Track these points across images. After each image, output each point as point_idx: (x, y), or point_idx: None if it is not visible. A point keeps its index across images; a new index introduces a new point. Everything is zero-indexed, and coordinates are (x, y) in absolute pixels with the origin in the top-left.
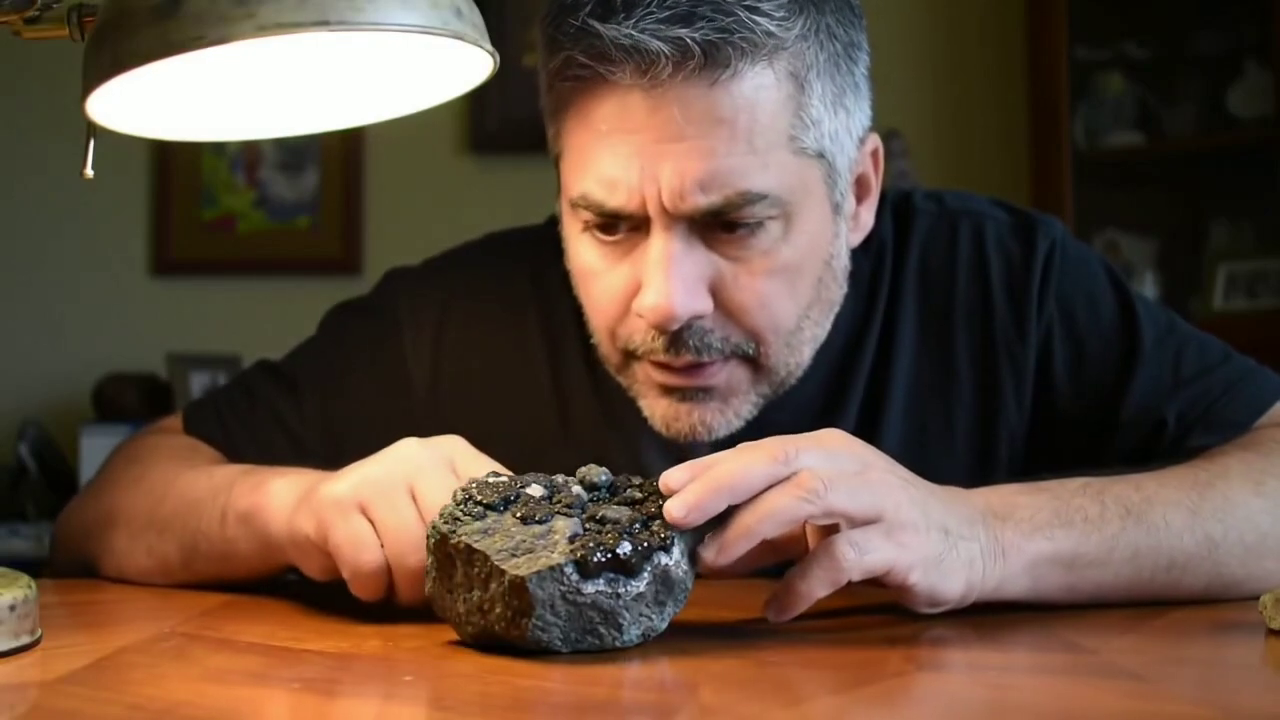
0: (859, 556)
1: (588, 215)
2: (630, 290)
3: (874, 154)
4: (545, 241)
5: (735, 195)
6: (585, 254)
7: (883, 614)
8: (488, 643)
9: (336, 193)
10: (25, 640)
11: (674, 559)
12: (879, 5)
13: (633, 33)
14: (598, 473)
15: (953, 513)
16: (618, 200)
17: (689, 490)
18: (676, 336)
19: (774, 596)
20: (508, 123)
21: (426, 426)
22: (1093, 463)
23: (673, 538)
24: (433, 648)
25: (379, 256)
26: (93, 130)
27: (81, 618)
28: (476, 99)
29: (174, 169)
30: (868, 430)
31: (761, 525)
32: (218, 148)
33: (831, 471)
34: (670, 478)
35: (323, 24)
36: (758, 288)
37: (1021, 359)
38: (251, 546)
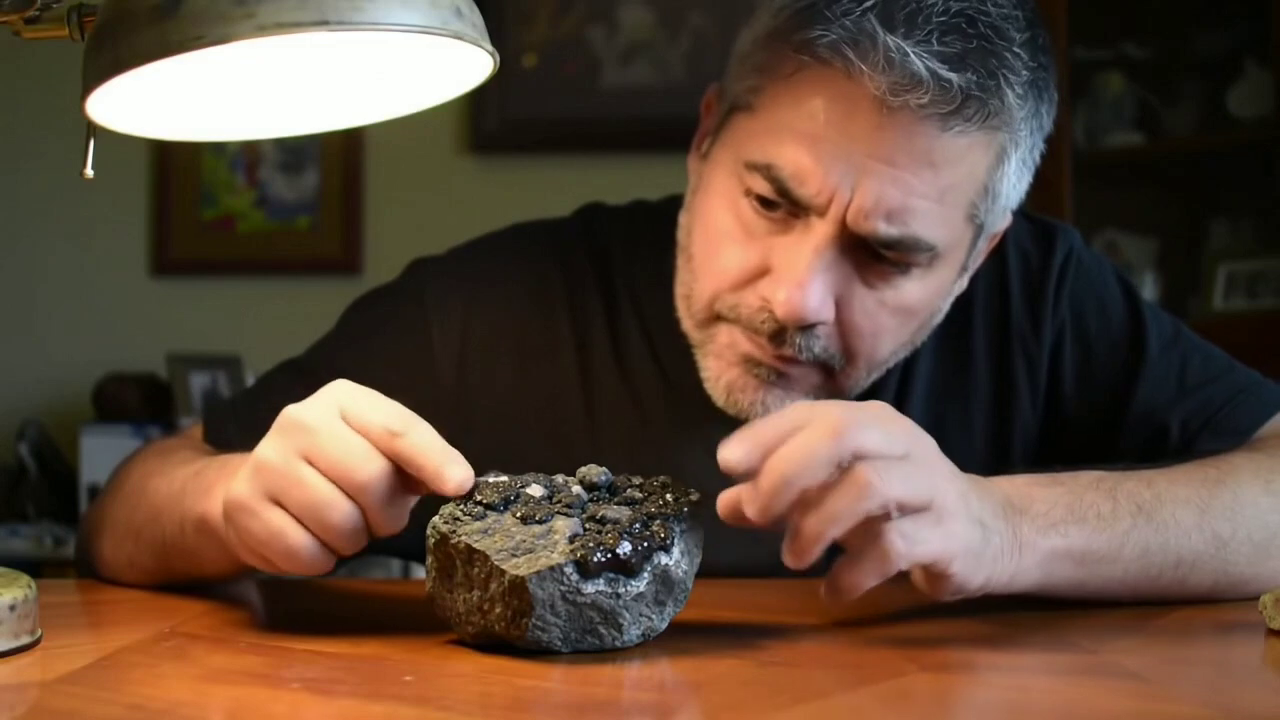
0: (909, 548)
1: (760, 185)
2: (759, 269)
3: (1003, 231)
4: (572, 232)
5: (909, 237)
6: (727, 216)
7: (885, 613)
8: (488, 643)
9: (336, 193)
10: (25, 640)
11: (674, 559)
12: None
13: (908, 50)
14: (598, 473)
15: (985, 505)
16: (804, 190)
17: (756, 496)
18: (787, 331)
19: (826, 585)
20: (508, 123)
21: (451, 414)
22: (1099, 463)
23: (673, 537)
24: (433, 648)
25: (379, 256)
26: (93, 130)
27: (81, 618)
28: (476, 99)
29: (174, 169)
30: None
31: (828, 529)
32: (218, 148)
33: (886, 460)
34: (729, 455)
35: (323, 24)
36: (879, 318)
37: (1036, 358)
38: (215, 553)
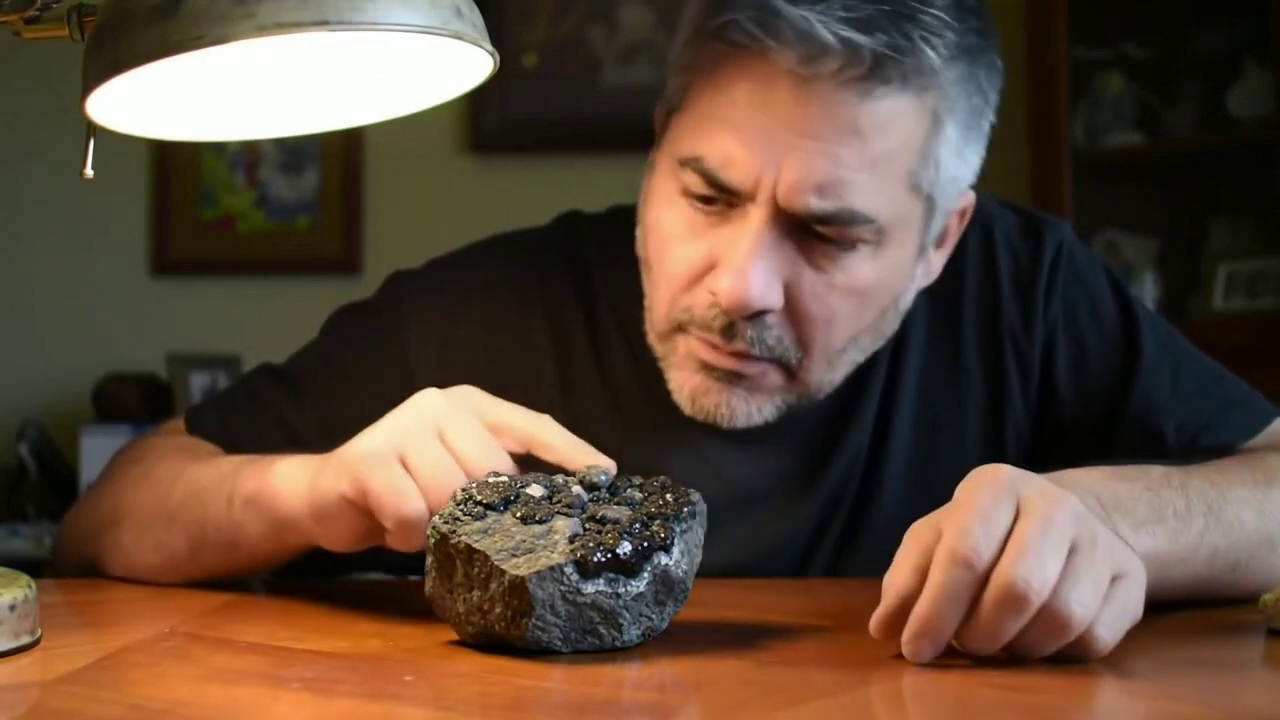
0: (1115, 635)
1: (692, 180)
2: (706, 264)
3: (964, 209)
4: (551, 242)
5: (845, 210)
6: (670, 218)
7: None
8: (488, 643)
9: (336, 193)
10: (25, 640)
11: (674, 559)
12: None
13: (814, 18)
14: (598, 472)
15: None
16: (731, 176)
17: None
18: (737, 324)
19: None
20: (508, 123)
21: None
22: (1093, 464)
23: (673, 537)
24: (433, 648)
25: (379, 256)
26: (93, 130)
27: (82, 617)
28: (476, 99)
29: (174, 169)
30: (881, 426)
31: (1035, 655)
32: (218, 148)
33: (1070, 583)
34: (914, 650)
35: (323, 24)
36: (830, 302)
37: (1028, 356)
38: (260, 529)
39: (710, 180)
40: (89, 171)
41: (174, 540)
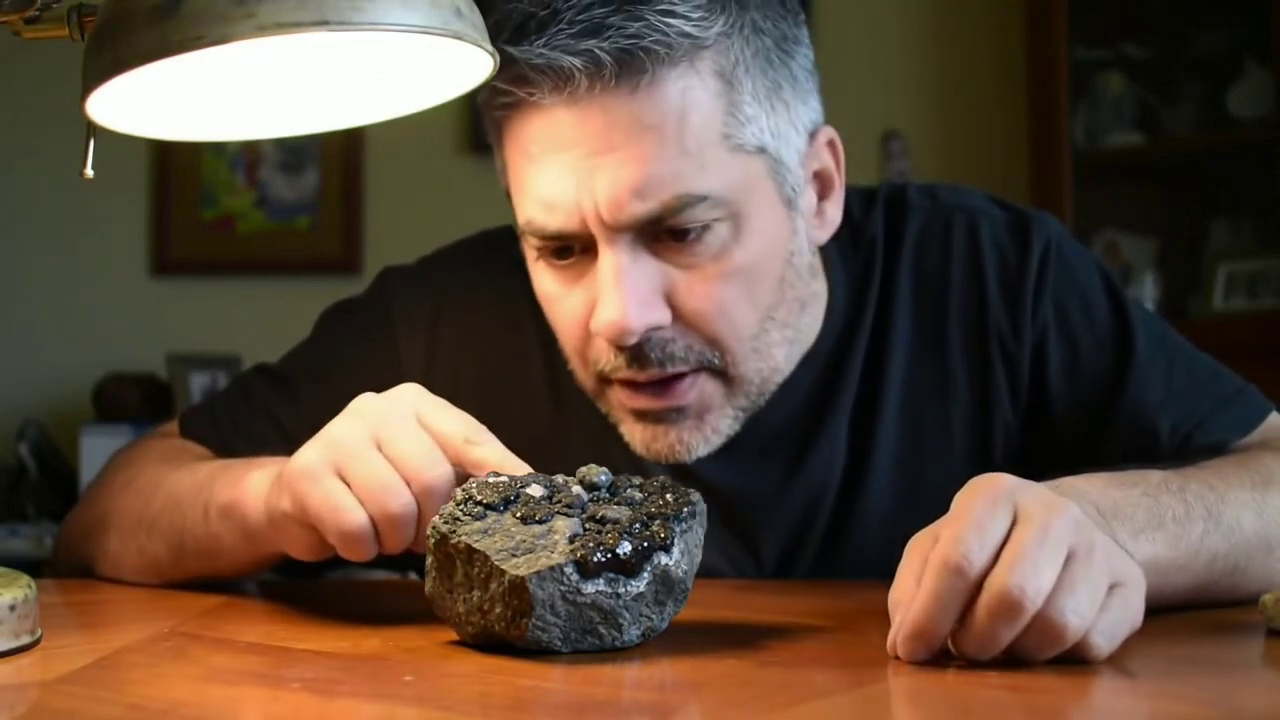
0: (1111, 643)
1: (537, 241)
2: (590, 312)
3: (830, 146)
4: None
5: (673, 199)
6: (543, 281)
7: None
8: (488, 643)
9: (336, 193)
10: (25, 640)
11: (674, 559)
12: (879, 6)
13: (545, 51)
14: (597, 472)
15: (1095, 524)
16: (558, 221)
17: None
18: (638, 351)
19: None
20: None
21: None
22: (1086, 464)
23: (673, 537)
24: (433, 648)
25: (379, 256)
26: (93, 130)
27: (81, 618)
28: (476, 99)
29: (174, 169)
30: (862, 431)
31: (1034, 658)
32: (218, 148)
33: (1065, 591)
34: (907, 652)
35: (323, 24)
36: (713, 293)
37: (1016, 357)
38: (235, 539)
39: (544, 235)
40: (89, 171)
41: (155, 548)
